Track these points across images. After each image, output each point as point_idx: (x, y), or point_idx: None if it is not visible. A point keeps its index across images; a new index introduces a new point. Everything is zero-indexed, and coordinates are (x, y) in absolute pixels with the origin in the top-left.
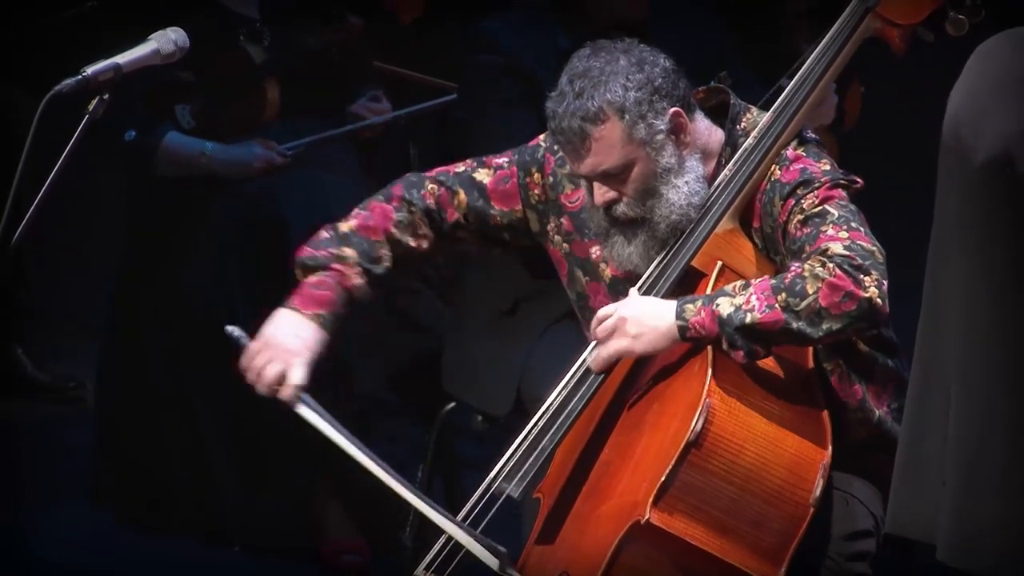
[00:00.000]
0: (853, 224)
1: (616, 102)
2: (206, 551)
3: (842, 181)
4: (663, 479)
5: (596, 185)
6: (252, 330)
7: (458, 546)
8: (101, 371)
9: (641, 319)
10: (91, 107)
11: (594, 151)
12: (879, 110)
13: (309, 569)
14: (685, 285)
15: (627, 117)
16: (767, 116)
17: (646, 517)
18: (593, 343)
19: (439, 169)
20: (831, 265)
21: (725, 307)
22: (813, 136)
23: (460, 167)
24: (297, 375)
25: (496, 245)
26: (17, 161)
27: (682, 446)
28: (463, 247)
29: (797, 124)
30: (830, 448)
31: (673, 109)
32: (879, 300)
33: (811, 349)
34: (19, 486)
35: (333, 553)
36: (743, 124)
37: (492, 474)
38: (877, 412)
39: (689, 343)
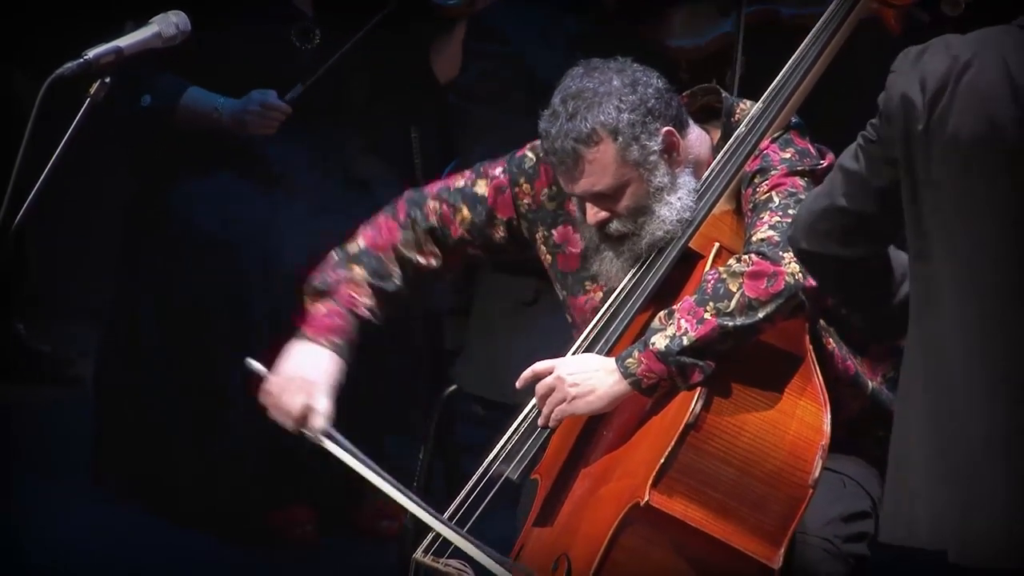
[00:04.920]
0: (791, 210)
1: (609, 124)
2: (213, 534)
3: (800, 167)
4: (662, 461)
5: (588, 204)
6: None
7: None
8: (101, 354)
9: (580, 380)
10: (93, 90)
11: (587, 173)
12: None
13: (316, 553)
14: (683, 268)
15: (620, 139)
16: (760, 102)
17: (645, 499)
18: (534, 400)
19: (440, 184)
20: (747, 256)
21: (661, 342)
22: (797, 120)
23: (460, 181)
24: (322, 404)
25: (502, 254)
26: (19, 144)
27: (681, 428)
28: (471, 260)
29: (792, 108)
30: (828, 429)
31: (666, 129)
32: (800, 275)
33: (806, 330)
34: (19, 467)
35: (370, 518)
36: (737, 116)
37: (491, 456)
38: (871, 384)
39: (653, 393)
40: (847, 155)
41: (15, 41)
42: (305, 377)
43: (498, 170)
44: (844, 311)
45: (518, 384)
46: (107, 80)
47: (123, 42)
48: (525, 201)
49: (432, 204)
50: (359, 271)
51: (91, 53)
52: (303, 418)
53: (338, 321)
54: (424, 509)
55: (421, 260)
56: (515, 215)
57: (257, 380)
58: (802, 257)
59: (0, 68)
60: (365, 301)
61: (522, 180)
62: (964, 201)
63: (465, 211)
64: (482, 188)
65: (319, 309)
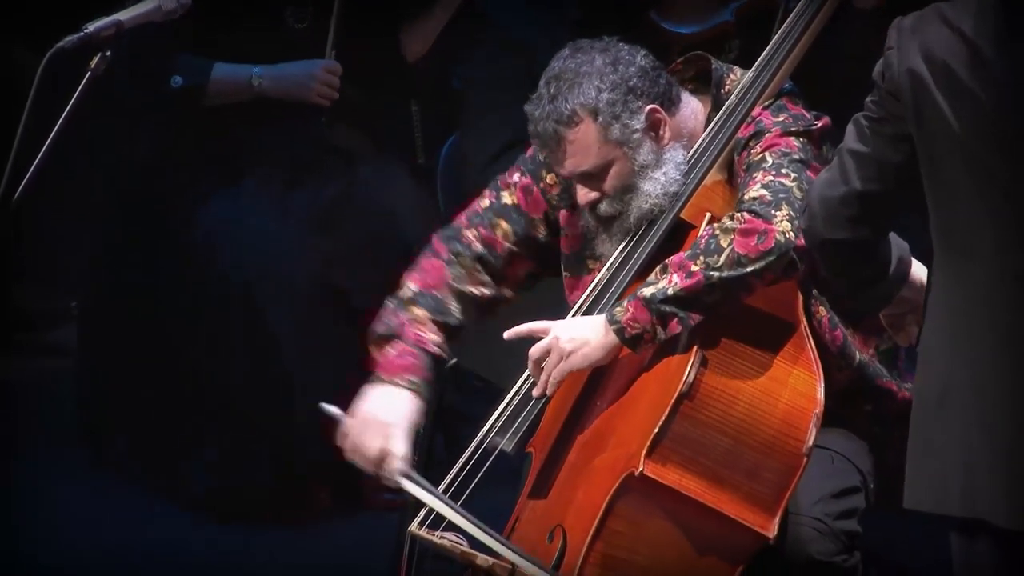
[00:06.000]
0: (784, 169)
1: (589, 104)
2: (218, 512)
3: (794, 128)
4: (656, 431)
5: (579, 186)
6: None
7: None
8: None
9: (574, 336)
10: (93, 64)
11: (570, 153)
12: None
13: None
14: (675, 238)
15: (601, 118)
16: (750, 72)
17: (640, 469)
18: (527, 372)
19: (466, 213)
20: (739, 213)
21: (648, 291)
22: (790, 86)
23: (484, 201)
24: (399, 447)
25: (553, 255)
26: (19, 118)
27: (675, 397)
28: (530, 273)
29: (781, 78)
30: (822, 398)
31: (649, 107)
32: (791, 233)
33: (800, 299)
34: (16, 442)
35: (374, 491)
36: (727, 87)
37: (485, 429)
38: (858, 356)
39: (636, 346)
40: (851, 137)
41: (15, 14)
42: (381, 419)
43: (515, 176)
44: (843, 289)
45: (507, 335)
46: (107, 54)
47: (123, 15)
48: (554, 192)
49: (469, 233)
50: (419, 311)
51: (91, 26)
52: (380, 461)
53: (411, 360)
54: (420, 484)
55: (475, 291)
56: (548, 207)
57: (333, 423)
58: (825, 248)
59: (0, 41)
60: (432, 337)
61: (544, 172)
62: (991, 169)
63: (503, 224)
64: (508, 198)
65: (389, 352)
